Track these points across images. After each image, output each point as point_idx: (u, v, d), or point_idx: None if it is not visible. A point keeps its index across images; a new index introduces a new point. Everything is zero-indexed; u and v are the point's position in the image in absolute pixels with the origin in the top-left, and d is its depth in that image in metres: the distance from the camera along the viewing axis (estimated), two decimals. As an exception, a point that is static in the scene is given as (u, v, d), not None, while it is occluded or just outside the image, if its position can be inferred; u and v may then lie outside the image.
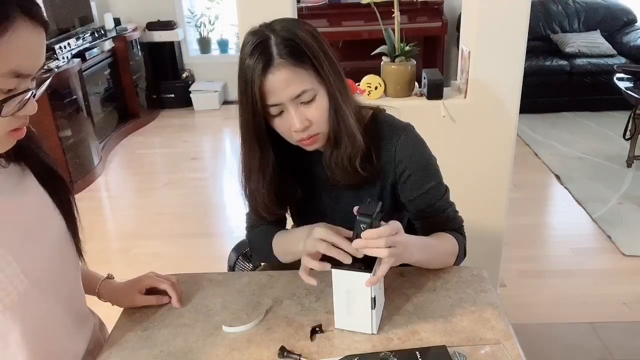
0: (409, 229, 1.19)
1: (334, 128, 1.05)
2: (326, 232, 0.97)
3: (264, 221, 1.24)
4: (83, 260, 1.01)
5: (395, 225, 0.95)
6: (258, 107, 0.99)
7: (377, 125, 1.13)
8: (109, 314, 1.13)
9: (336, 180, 1.12)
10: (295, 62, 0.97)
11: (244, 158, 1.11)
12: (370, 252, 0.93)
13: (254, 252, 1.27)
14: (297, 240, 1.08)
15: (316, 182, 1.19)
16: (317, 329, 1.00)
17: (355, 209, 0.96)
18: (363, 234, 0.92)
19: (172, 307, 1.10)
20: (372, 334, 0.99)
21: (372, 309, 0.97)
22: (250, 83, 0.98)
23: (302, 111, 1.01)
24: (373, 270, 0.94)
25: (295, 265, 1.34)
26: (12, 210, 0.85)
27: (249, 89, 0.98)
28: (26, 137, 0.82)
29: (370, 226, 0.93)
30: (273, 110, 1.01)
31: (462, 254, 1.18)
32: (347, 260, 0.94)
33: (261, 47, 0.97)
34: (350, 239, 0.95)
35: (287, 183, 1.15)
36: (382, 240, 0.92)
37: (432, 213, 1.16)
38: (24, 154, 0.89)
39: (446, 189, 1.19)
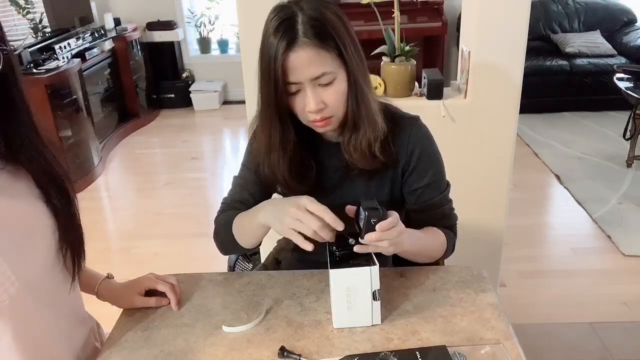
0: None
1: (353, 112, 1.05)
2: (316, 205, 0.94)
3: (238, 210, 1.21)
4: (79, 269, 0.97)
5: (396, 214, 0.96)
6: (280, 84, 0.98)
7: (389, 114, 1.13)
8: (109, 313, 1.13)
9: (354, 165, 1.11)
10: (320, 43, 0.97)
11: (265, 133, 1.09)
12: (375, 245, 0.94)
13: (217, 236, 1.23)
14: (255, 212, 1.06)
15: (327, 172, 1.18)
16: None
17: (348, 209, 0.97)
18: (377, 227, 0.92)
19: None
20: (374, 324, 1.00)
21: (374, 300, 0.98)
22: (273, 59, 0.97)
23: (319, 93, 1.01)
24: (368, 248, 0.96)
25: (295, 265, 1.34)
26: (3, 212, 0.84)
27: (271, 65, 0.97)
28: (31, 141, 0.81)
29: (381, 219, 0.92)
30: (291, 88, 1.01)
31: (449, 250, 1.21)
32: (340, 227, 0.93)
33: (287, 23, 0.96)
34: (356, 235, 0.96)
35: (304, 162, 1.14)
36: (394, 230, 0.93)
37: (431, 207, 1.17)
38: (25, 157, 0.87)
39: (447, 185, 1.20)
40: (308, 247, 0.94)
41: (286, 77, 0.99)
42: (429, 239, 1.16)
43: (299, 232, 0.94)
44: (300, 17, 0.96)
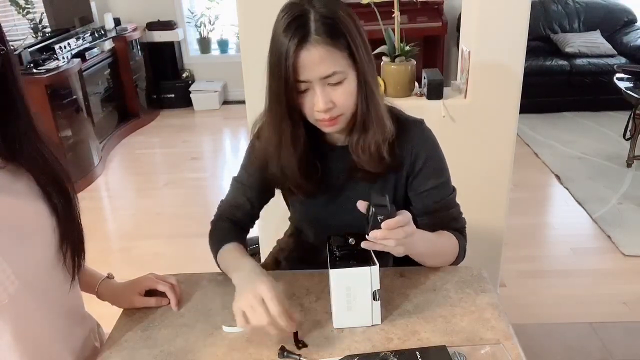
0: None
1: (362, 113, 1.05)
2: (272, 301, 0.92)
3: (233, 216, 1.24)
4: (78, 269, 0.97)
5: (408, 214, 0.94)
6: (291, 81, 0.97)
7: (394, 117, 1.12)
8: (109, 313, 1.13)
9: (360, 166, 1.10)
10: (332, 41, 0.96)
11: (275, 131, 1.07)
12: (381, 243, 0.92)
13: (210, 243, 1.23)
14: (232, 270, 1.07)
15: (330, 175, 1.17)
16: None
17: (359, 204, 0.95)
18: (383, 225, 0.89)
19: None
20: (374, 324, 1.00)
21: (374, 300, 0.97)
22: (284, 56, 0.96)
23: (328, 92, 1.00)
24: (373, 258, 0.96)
25: (295, 265, 1.34)
26: (3, 210, 0.84)
27: (282, 62, 0.96)
28: (33, 141, 0.81)
29: (388, 217, 0.90)
30: (300, 87, 1.00)
31: (461, 255, 1.18)
32: (291, 330, 0.94)
33: (299, 21, 0.95)
34: (355, 235, 0.96)
35: (311, 160, 1.13)
36: (401, 230, 0.91)
37: (438, 209, 1.16)
38: (25, 156, 0.87)
39: (454, 189, 1.19)
40: (246, 327, 0.94)
41: (296, 75, 0.97)
42: (441, 241, 1.14)
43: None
44: (313, 15, 0.96)
